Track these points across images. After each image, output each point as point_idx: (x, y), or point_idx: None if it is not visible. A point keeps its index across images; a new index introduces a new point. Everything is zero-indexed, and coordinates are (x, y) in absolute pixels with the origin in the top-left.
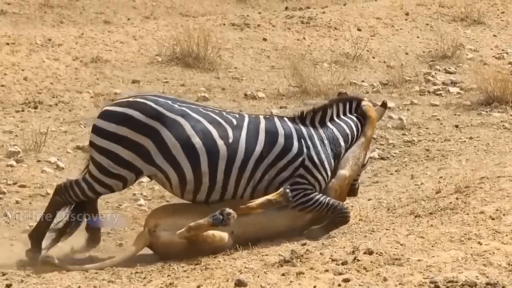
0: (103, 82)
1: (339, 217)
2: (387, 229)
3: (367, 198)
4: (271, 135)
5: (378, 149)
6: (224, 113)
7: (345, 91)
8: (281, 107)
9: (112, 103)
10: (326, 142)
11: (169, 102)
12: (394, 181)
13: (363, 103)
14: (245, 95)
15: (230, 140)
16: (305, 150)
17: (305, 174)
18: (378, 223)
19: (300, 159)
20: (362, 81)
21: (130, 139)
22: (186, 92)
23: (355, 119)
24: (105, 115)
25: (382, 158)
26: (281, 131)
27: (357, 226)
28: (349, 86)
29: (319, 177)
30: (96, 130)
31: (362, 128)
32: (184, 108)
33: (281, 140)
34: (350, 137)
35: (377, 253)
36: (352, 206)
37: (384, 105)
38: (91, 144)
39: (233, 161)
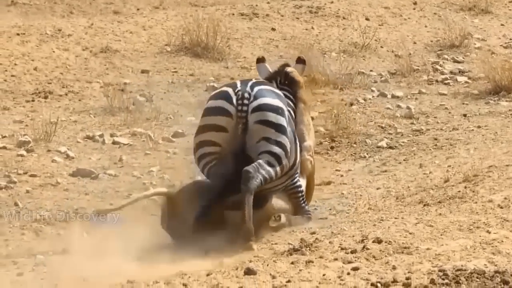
0: (113, 72)
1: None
2: (396, 218)
3: (376, 187)
4: None
5: (386, 138)
6: None
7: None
8: None
9: None
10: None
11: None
12: (403, 170)
13: (288, 69)
14: None
15: None
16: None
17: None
18: (387, 212)
19: None
20: (371, 70)
21: None
22: (195, 82)
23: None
24: None
25: (391, 147)
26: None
27: (366, 215)
28: (357, 75)
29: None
30: None
31: (294, 94)
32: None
33: None
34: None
35: (386, 242)
36: (361, 195)
37: (300, 60)
38: None
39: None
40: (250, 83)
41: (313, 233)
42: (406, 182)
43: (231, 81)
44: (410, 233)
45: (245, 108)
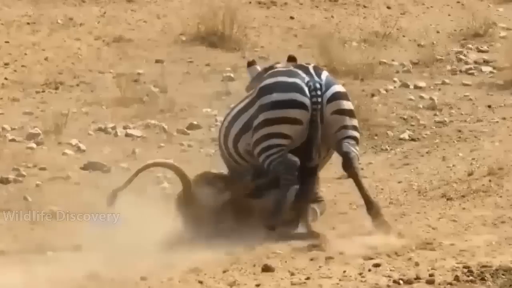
0: (126, 62)
1: None
2: (418, 213)
3: (397, 181)
4: None
5: (408, 130)
6: None
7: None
8: None
9: None
10: None
11: None
12: (425, 163)
13: (277, 66)
14: None
15: None
16: None
17: None
18: (409, 207)
19: None
20: (392, 60)
21: None
22: (211, 73)
23: None
24: None
25: (413, 139)
26: None
27: (387, 210)
28: (378, 65)
29: None
30: None
31: None
32: None
33: None
34: None
35: (408, 237)
36: (382, 189)
37: (291, 59)
38: None
39: None
40: (313, 69)
41: (333, 228)
42: (428, 176)
43: (280, 67)
44: (433, 228)
45: (319, 99)
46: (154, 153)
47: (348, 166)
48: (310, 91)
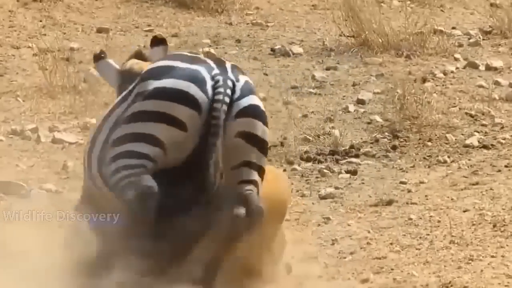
0: (53, 31)
1: None
2: (493, 256)
3: (463, 209)
4: None
5: (478, 132)
6: None
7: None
8: (328, 69)
9: None
10: None
11: None
12: (504, 182)
13: (128, 64)
14: (272, 50)
15: None
16: None
17: None
18: (480, 247)
19: None
20: (453, 28)
21: None
22: (181, 46)
23: None
24: None
25: (485, 147)
26: None
27: (447, 252)
28: (432, 35)
29: None
30: None
31: None
32: None
33: None
34: None
35: None
36: (439, 221)
37: (157, 41)
38: None
39: None
40: (230, 67)
41: (365, 280)
42: (509, 201)
43: (196, 55)
44: None
45: (226, 102)
46: None
47: (233, 229)
48: (214, 87)
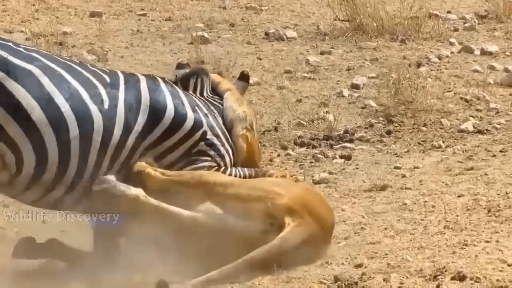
0: (45, 15)
1: None
2: (487, 241)
3: (457, 194)
4: (157, 101)
5: (473, 117)
6: (89, 66)
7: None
8: (322, 53)
9: None
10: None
11: (11, 44)
12: (499, 167)
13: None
14: (266, 34)
15: (106, 105)
16: (203, 119)
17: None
18: (474, 232)
19: (200, 132)
20: (448, 12)
21: None
22: (174, 30)
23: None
24: None
25: (480, 132)
26: (169, 96)
27: (441, 237)
28: (427, 19)
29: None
30: None
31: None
32: (35, 55)
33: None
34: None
35: (472, 279)
36: (433, 206)
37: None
38: None
39: (110, 135)
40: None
41: (359, 265)
42: (503, 186)
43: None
44: (509, 266)
45: None
46: None
47: None
48: None
